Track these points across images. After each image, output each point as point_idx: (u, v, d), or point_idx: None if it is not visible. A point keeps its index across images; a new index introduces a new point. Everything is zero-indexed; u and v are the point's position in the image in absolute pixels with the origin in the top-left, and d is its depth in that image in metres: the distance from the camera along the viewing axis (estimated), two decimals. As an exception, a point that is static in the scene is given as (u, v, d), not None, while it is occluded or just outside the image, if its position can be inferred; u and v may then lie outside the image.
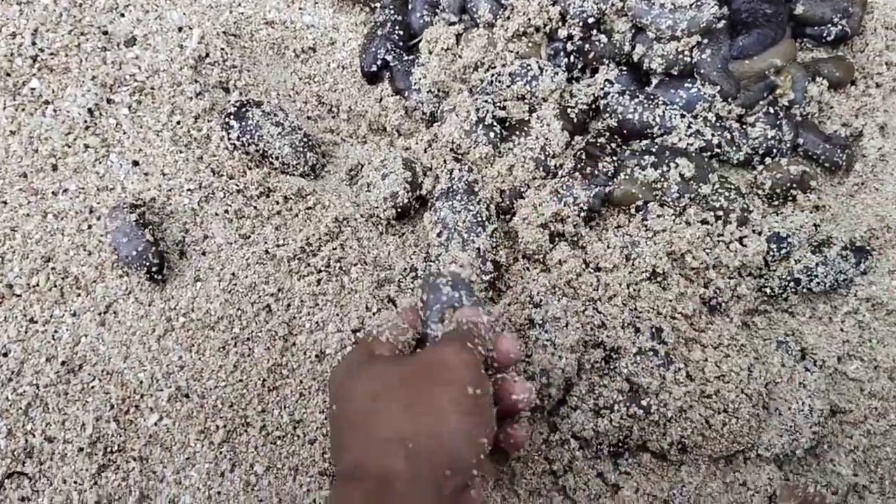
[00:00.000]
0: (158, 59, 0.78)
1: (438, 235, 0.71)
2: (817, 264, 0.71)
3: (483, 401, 0.50)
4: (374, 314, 0.70)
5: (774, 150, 0.75)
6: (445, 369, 0.51)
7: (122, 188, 0.74)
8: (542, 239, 0.72)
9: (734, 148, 0.75)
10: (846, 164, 0.76)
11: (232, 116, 0.74)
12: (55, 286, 0.70)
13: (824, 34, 0.79)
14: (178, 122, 0.76)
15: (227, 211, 0.74)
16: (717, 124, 0.76)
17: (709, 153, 0.75)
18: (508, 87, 0.77)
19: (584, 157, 0.74)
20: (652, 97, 0.76)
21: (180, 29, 0.80)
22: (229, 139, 0.75)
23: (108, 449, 0.66)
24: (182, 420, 0.67)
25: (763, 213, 0.74)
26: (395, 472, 0.47)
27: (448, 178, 0.73)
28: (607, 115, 0.78)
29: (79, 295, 0.70)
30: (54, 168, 0.74)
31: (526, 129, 0.75)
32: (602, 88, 0.78)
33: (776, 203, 0.75)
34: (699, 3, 0.75)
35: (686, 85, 0.77)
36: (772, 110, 0.76)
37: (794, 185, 0.74)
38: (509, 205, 0.74)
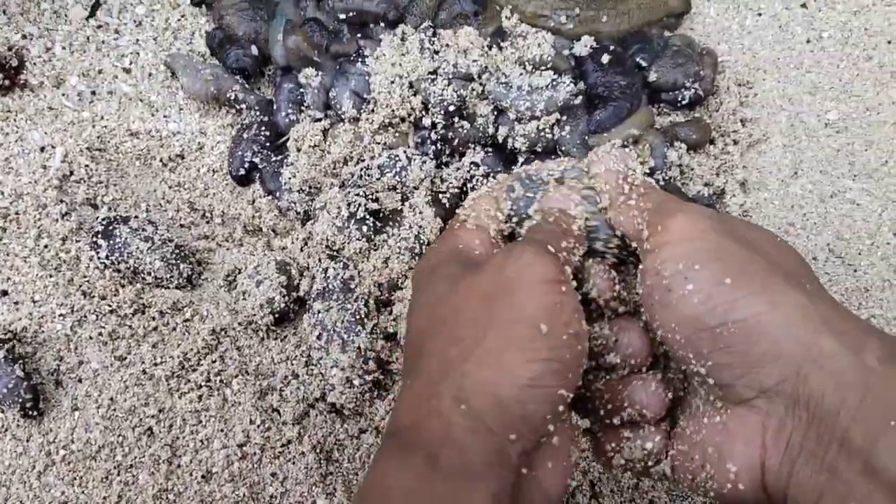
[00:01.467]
0: (21, 182, 0.78)
1: (318, 338, 0.72)
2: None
3: (562, 339, 0.41)
4: (258, 426, 0.71)
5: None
6: (511, 291, 0.42)
7: (-9, 321, 0.74)
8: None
9: (603, 219, 0.79)
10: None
11: (99, 235, 0.75)
12: (-75, 433, 0.70)
13: (679, 98, 0.84)
14: (46, 246, 0.77)
15: (101, 333, 0.74)
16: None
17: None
18: (378, 178, 0.79)
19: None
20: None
21: (42, 149, 0.80)
22: (98, 259, 0.75)
23: None
24: (68, 559, 0.67)
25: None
26: (448, 443, 0.38)
27: (323, 277, 0.75)
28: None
29: (-49, 439, 0.70)
30: (-83, 308, 0.73)
31: (399, 219, 0.78)
32: (468, 171, 0.81)
33: (648, 269, 0.79)
34: (555, 83, 0.78)
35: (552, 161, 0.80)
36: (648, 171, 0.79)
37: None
38: (388, 297, 0.76)
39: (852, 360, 0.37)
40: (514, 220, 0.54)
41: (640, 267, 0.45)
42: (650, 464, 0.47)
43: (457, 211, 0.59)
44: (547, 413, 0.41)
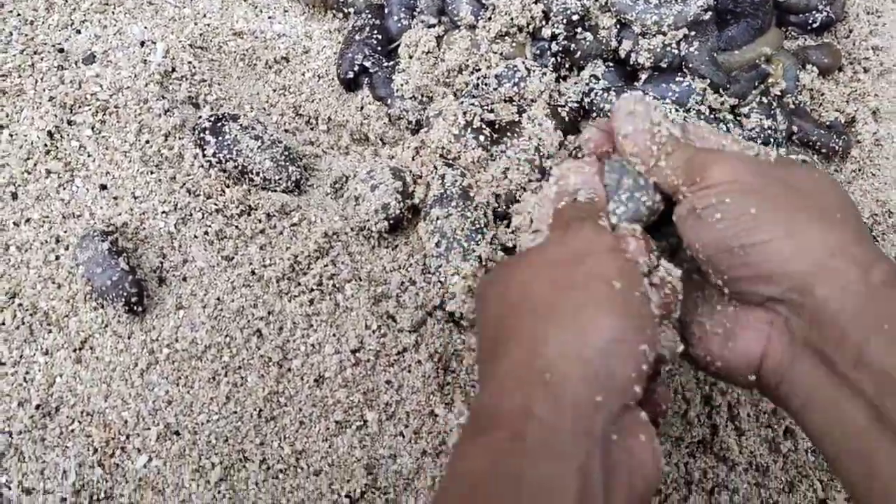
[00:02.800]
0: (121, 76, 0.76)
1: (437, 245, 0.70)
2: (824, 253, 0.72)
3: (635, 296, 0.43)
4: (373, 332, 0.69)
5: (771, 141, 0.77)
6: (580, 260, 0.43)
7: (90, 214, 0.72)
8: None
9: (730, 140, 0.76)
10: (843, 150, 0.78)
11: (207, 132, 0.72)
12: (23, 323, 0.67)
13: (809, 21, 0.81)
14: (147, 142, 0.74)
15: (206, 232, 0.71)
16: (712, 117, 0.77)
17: (706, 146, 0.76)
18: (495, 89, 0.77)
19: (580, 155, 0.74)
20: (642, 93, 0.77)
21: (143, 43, 0.78)
22: (205, 156, 0.73)
23: (94, 497, 0.63)
24: (173, 460, 0.65)
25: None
26: (530, 419, 0.38)
27: (440, 183, 0.72)
28: (594, 113, 0.78)
29: (50, 331, 0.67)
30: (14, 196, 0.71)
31: (517, 130, 0.75)
32: (587, 84, 0.78)
33: (777, 193, 0.76)
34: (685, -4, 0.76)
35: (677, 79, 0.77)
36: (765, 100, 0.77)
37: (794, 174, 0.75)
38: (505, 209, 0.74)
39: (857, 275, 0.42)
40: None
41: (677, 205, 0.50)
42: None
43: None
44: (631, 371, 0.41)
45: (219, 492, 0.64)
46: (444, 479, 0.40)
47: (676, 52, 0.78)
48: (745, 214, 0.45)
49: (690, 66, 0.78)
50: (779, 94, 0.78)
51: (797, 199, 0.46)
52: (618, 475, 0.40)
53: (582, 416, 0.39)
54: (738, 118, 0.77)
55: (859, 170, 0.79)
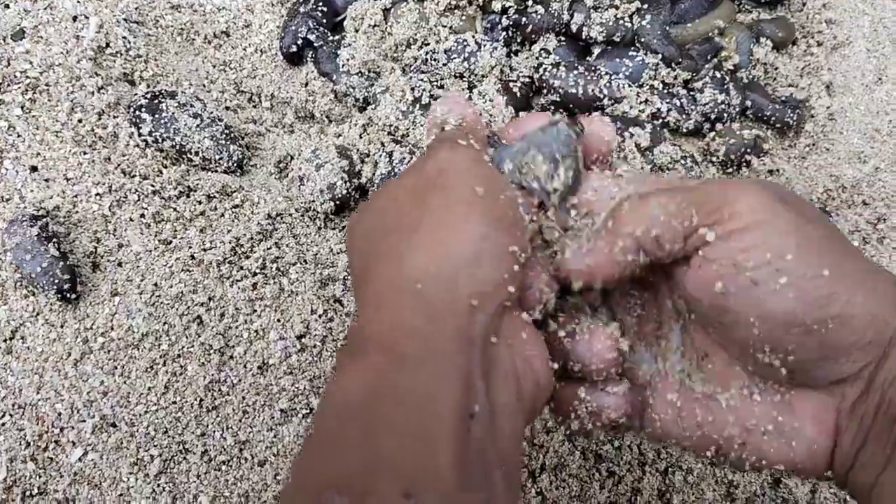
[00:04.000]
0: (52, 52, 0.72)
1: (384, 226, 0.68)
2: (778, 229, 0.71)
3: (500, 199, 0.39)
4: (319, 317, 0.66)
5: (725, 115, 0.75)
6: (438, 176, 0.40)
7: (20, 198, 0.68)
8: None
9: (684, 116, 0.75)
10: (797, 124, 0.77)
11: (143, 109, 0.69)
12: (-52, 313, 0.64)
13: (763, -6, 0.80)
14: (80, 121, 0.71)
15: (142, 215, 0.68)
16: (665, 92, 0.75)
17: (659, 122, 0.75)
18: (445, 64, 0.75)
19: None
20: (593, 68, 0.75)
21: (75, 18, 0.74)
22: (140, 135, 0.70)
23: (27, 493, 0.60)
24: (110, 453, 0.62)
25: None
26: (406, 332, 0.35)
27: (388, 161, 0.70)
28: (545, 89, 0.76)
29: (-23, 321, 0.64)
30: (-63, 180, 0.67)
31: (467, 106, 0.73)
32: (537, 58, 0.76)
33: (731, 170, 0.75)
34: (637, -33, 0.74)
35: (630, 53, 0.76)
36: (718, 75, 0.76)
37: (749, 150, 0.74)
38: (456, 188, 0.72)
39: None
40: None
41: (697, 259, 0.39)
42: (611, 426, 0.44)
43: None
44: (504, 272, 0.38)
45: (158, 485, 0.61)
46: (319, 406, 0.37)
47: (629, 25, 0.76)
48: (817, 278, 0.36)
49: (642, 40, 0.76)
50: (732, 68, 0.77)
51: (840, 240, 0.38)
52: (503, 379, 0.38)
53: (458, 323, 0.36)
54: (692, 93, 0.76)
55: (813, 145, 0.79)
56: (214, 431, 0.63)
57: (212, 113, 0.71)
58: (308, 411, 0.64)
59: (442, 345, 0.35)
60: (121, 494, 0.61)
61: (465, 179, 0.39)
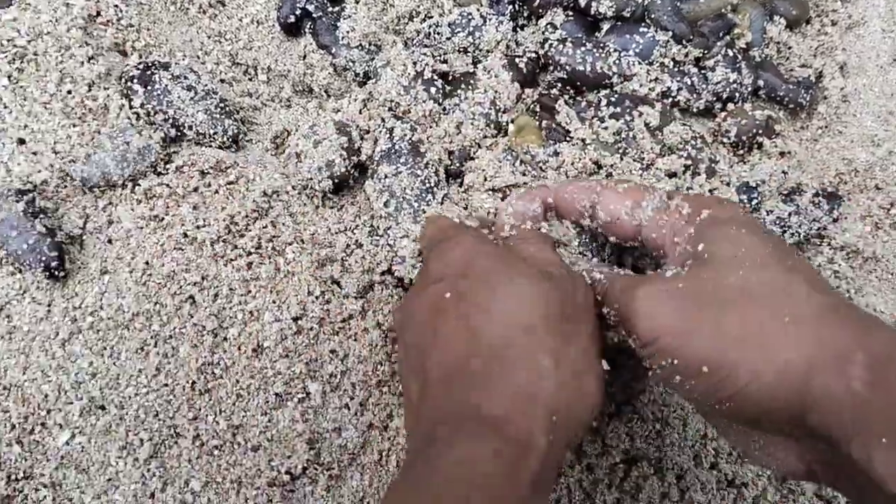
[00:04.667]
0: (41, 20, 0.69)
1: (385, 205, 0.66)
2: (790, 214, 0.69)
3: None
4: (316, 298, 0.64)
5: (736, 95, 0.73)
6: (575, 300, 0.47)
7: (6, 171, 0.66)
8: (496, 203, 0.68)
9: (695, 95, 0.73)
10: (810, 105, 0.75)
11: (135, 80, 0.67)
12: (-70, 290, 0.62)
13: (777, -30, 0.78)
14: (69, 92, 0.68)
15: (133, 191, 0.66)
16: (676, 70, 0.73)
17: (669, 101, 0.72)
18: (448, 38, 0.72)
19: (538, 109, 0.70)
20: (601, 45, 0.73)
21: (64, -16, 0.71)
22: (132, 107, 0.67)
23: (13, 476, 0.58)
24: (99, 436, 0.60)
25: (730, 163, 0.72)
26: (537, 445, 0.41)
27: (388, 137, 0.68)
28: (552, 66, 0.74)
29: (-39, 299, 0.62)
30: (-81, 151, 0.65)
31: (472, 82, 0.71)
32: (543, 33, 0.74)
33: (742, 151, 0.73)
34: (649, -60, 0.72)
35: (641, 30, 0.73)
36: (730, 53, 0.73)
37: (760, 131, 0.72)
38: (459, 167, 0.70)
39: (843, 391, 0.39)
40: None
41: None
42: None
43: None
44: (591, 422, 0.47)
45: (148, 469, 0.59)
46: (430, 465, 0.40)
47: (639, 0, 0.74)
48: (700, 375, 0.42)
49: (653, 16, 0.74)
50: (744, 46, 0.75)
51: (741, 309, 0.42)
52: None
53: (562, 452, 0.44)
54: (703, 71, 0.73)
55: (826, 127, 0.76)
56: (207, 415, 0.61)
57: (206, 85, 0.69)
58: (304, 395, 0.62)
59: (551, 467, 0.43)
60: (109, 479, 0.59)
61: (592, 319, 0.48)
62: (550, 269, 0.48)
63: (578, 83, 0.73)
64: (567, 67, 0.73)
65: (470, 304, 0.46)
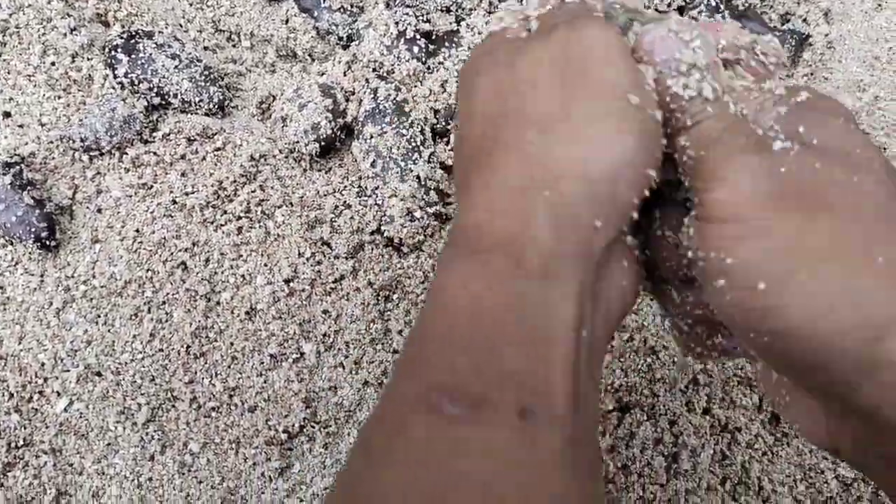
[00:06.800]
0: (20, -8, 0.70)
1: (372, 166, 0.66)
2: (777, 161, 0.70)
3: (648, 114, 0.35)
4: (307, 260, 0.65)
5: (721, 45, 0.74)
6: (590, 63, 0.35)
7: (-8, 144, 0.66)
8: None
9: (679, 45, 0.73)
10: (795, 51, 0.75)
11: (119, 50, 0.67)
12: (-77, 264, 0.62)
13: (759, -82, 0.78)
14: (53, 64, 0.69)
15: (121, 160, 0.67)
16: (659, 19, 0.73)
17: (653, 52, 0.73)
18: (430, -3, 0.73)
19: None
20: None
21: (42, -44, 0.72)
22: (115, 77, 0.68)
23: (13, 444, 0.59)
24: (96, 402, 0.61)
25: (716, 112, 0.73)
26: (530, 239, 0.33)
27: (373, 97, 0.68)
28: (537, 24, 0.74)
29: (-46, 272, 0.63)
30: None
31: (455, 40, 0.71)
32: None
33: (727, 101, 0.74)
34: None
35: (622, -19, 0.74)
36: (713, 2, 0.74)
37: (745, 80, 0.72)
38: (444, 125, 0.70)
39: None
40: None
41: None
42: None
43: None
44: (634, 197, 0.35)
45: (147, 433, 0.61)
46: (428, 303, 0.35)
47: (621, -47, 0.74)
48: (753, 290, 0.33)
49: (636, -32, 0.74)
50: (729, -7, 0.75)
51: (834, 224, 0.33)
52: (600, 299, 0.37)
53: (581, 240, 0.34)
54: (687, 22, 0.74)
55: (811, 74, 0.77)
56: (203, 378, 0.62)
57: (190, 53, 0.69)
58: (298, 355, 0.63)
59: (564, 261, 0.34)
60: (109, 444, 0.60)
61: (620, 79, 0.35)
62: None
63: (562, 38, 0.73)
64: (551, 23, 0.73)
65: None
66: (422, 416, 0.31)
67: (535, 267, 0.33)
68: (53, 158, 0.66)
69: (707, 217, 0.35)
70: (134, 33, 0.68)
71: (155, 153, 0.67)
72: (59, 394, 0.61)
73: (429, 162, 0.67)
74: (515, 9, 0.43)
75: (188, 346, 0.63)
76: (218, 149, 0.68)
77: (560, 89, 0.36)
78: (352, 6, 0.73)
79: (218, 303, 0.64)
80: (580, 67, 0.36)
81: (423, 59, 0.71)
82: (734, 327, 0.36)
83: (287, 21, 0.74)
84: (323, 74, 0.72)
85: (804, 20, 0.78)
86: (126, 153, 0.67)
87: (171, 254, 0.65)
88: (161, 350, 0.62)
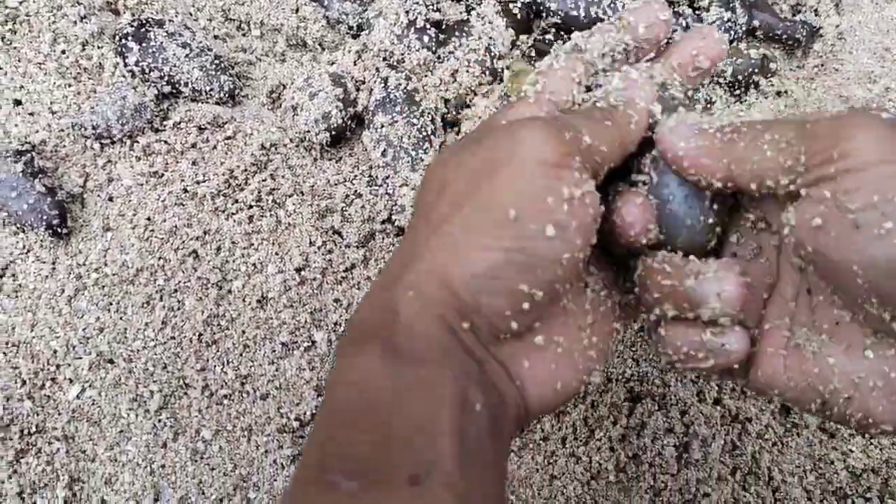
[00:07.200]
0: (30, -20, 0.70)
1: (383, 155, 0.66)
2: (787, 151, 0.70)
3: (531, 228, 0.35)
4: (318, 249, 0.65)
5: (731, 35, 0.74)
6: (497, 168, 0.37)
7: (4, 133, 0.67)
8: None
9: (689, 36, 0.73)
10: (807, 41, 0.75)
11: (130, 38, 0.67)
12: (-65, 251, 0.63)
13: None
14: (63, 52, 0.69)
15: (132, 148, 0.67)
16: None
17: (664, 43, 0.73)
18: (441, -14, 0.73)
19: (534, 55, 0.71)
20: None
21: (52, -55, 0.72)
22: (126, 65, 0.68)
23: (25, 430, 0.60)
24: (109, 389, 0.61)
25: (726, 103, 0.73)
26: (399, 329, 0.35)
27: (383, 87, 0.68)
28: (544, 12, 0.74)
29: (-34, 259, 0.63)
30: (-83, 115, 0.66)
31: (466, 29, 0.71)
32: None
33: (738, 91, 0.74)
34: None
35: (633, -29, 0.74)
36: (724, -7, 0.74)
37: (756, 71, 0.73)
38: (455, 115, 0.70)
39: None
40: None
41: (802, 200, 0.36)
42: (720, 367, 0.41)
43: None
44: (506, 309, 0.36)
45: (159, 420, 0.61)
46: (328, 388, 0.37)
47: (632, -57, 0.74)
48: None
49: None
50: (737, -17, 0.75)
51: None
52: (506, 392, 0.38)
53: (449, 335, 0.36)
54: (697, 11, 0.74)
55: (822, 65, 0.77)
56: (215, 366, 0.63)
57: (201, 42, 0.69)
58: (309, 344, 0.63)
59: (435, 352, 0.35)
60: (121, 431, 0.61)
61: (515, 189, 0.36)
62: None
63: (573, 28, 0.73)
64: (560, 13, 0.73)
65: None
66: (323, 495, 0.32)
67: (411, 353, 0.35)
68: (64, 146, 0.67)
69: (846, 168, 0.34)
70: (145, 21, 0.68)
71: (166, 142, 0.67)
72: (71, 381, 0.61)
73: (439, 151, 0.67)
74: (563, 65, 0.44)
75: (200, 334, 0.63)
76: (228, 138, 0.68)
77: (462, 193, 0.37)
78: (362, -5, 0.74)
79: (229, 291, 0.64)
80: (488, 173, 0.37)
81: (434, 49, 0.71)
82: (888, 282, 0.34)
83: (297, 10, 0.74)
84: (333, 64, 0.72)
85: (815, 11, 0.78)
86: (137, 141, 0.67)
87: (183, 242, 0.65)
88: (173, 338, 0.63)
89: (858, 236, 0.34)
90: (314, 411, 0.62)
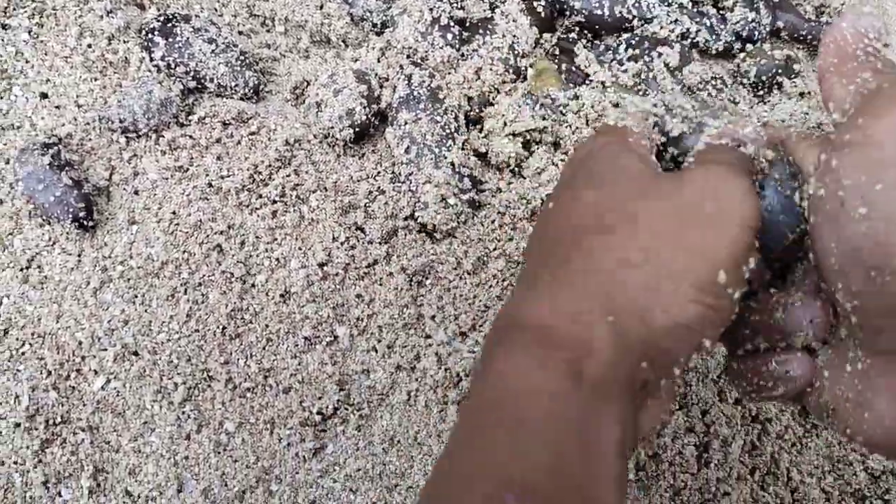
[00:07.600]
0: (57, -26, 0.71)
1: (406, 152, 0.67)
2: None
3: (728, 292, 0.36)
4: (341, 244, 0.66)
5: (755, 35, 0.74)
6: (707, 223, 0.36)
7: (30, 125, 0.68)
8: (516, 148, 0.69)
9: (714, 36, 0.73)
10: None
11: (156, 33, 0.68)
12: (-37, 242, 0.64)
13: None
14: (90, 46, 0.70)
15: (157, 142, 0.68)
16: (695, 11, 0.74)
17: (688, 43, 0.73)
18: (465, -16, 0.73)
19: (558, 53, 0.71)
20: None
21: (79, -61, 0.73)
22: (152, 60, 0.68)
23: (51, 421, 0.60)
24: (133, 381, 0.62)
25: (750, 104, 0.73)
26: (591, 352, 0.35)
27: (407, 84, 0.69)
28: (568, 10, 0.75)
29: (-7, 250, 0.64)
30: (-54, 107, 0.66)
31: (490, 27, 0.72)
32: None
33: (762, 92, 0.74)
34: None
35: (657, -29, 0.74)
36: (748, -6, 0.74)
37: (780, 71, 0.73)
38: (478, 113, 0.71)
39: None
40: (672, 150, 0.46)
41: (827, 154, 0.36)
42: (790, 393, 0.42)
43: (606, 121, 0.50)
44: (682, 356, 0.37)
45: (183, 412, 0.62)
46: (486, 383, 0.37)
47: (654, -57, 0.75)
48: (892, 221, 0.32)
49: (671, -42, 0.74)
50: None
51: None
52: (633, 426, 0.39)
53: (631, 372, 0.36)
54: (722, 12, 0.74)
55: (846, 66, 0.77)
56: (238, 359, 0.63)
57: (226, 38, 0.70)
58: (332, 339, 0.64)
59: (616, 386, 0.35)
60: (145, 422, 0.61)
61: (727, 251, 0.36)
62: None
63: (597, 27, 0.74)
64: (584, 12, 0.74)
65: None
66: None
67: (594, 382, 0.35)
68: (90, 140, 0.67)
69: (857, 142, 0.33)
70: (171, 16, 0.69)
71: (191, 136, 0.68)
72: (96, 372, 0.62)
73: (462, 149, 0.68)
74: (640, 109, 0.45)
75: (224, 328, 0.63)
76: (253, 133, 0.69)
77: (665, 235, 0.37)
78: (387, -8, 0.74)
79: (253, 285, 0.65)
80: (699, 224, 0.37)
81: (457, 47, 0.71)
82: (850, 270, 0.34)
83: (321, 7, 0.75)
84: (357, 61, 0.73)
85: (839, 13, 0.78)
86: (162, 136, 0.67)
87: (207, 236, 0.65)
88: (197, 331, 0.63)
89: (841, 214, 0.34)
90: (336, 405, 0.62)
